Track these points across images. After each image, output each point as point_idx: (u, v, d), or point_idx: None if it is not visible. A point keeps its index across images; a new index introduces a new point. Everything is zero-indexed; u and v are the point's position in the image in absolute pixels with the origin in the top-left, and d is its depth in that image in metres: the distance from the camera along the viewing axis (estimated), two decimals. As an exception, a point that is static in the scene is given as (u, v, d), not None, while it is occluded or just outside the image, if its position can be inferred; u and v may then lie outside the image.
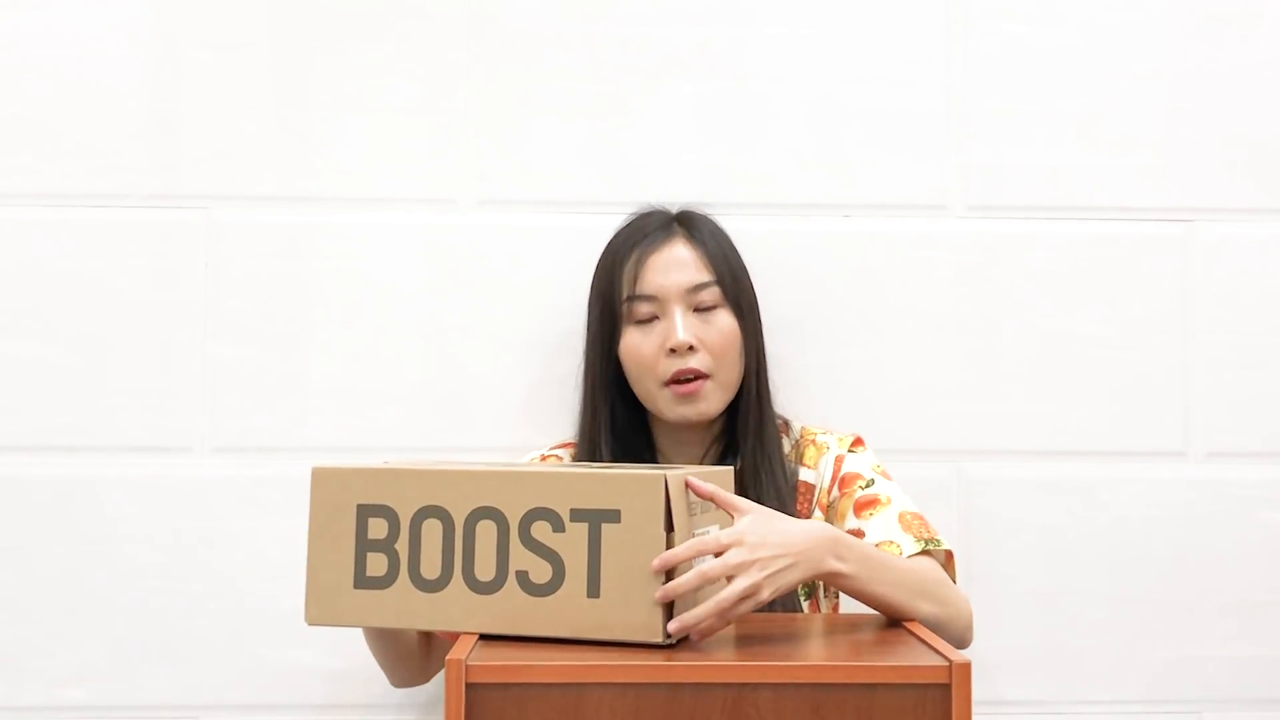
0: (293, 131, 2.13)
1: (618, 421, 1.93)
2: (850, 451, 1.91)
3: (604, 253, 1.96)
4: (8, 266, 2.10)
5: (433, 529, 1.49)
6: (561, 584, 1.45)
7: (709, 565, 1.45)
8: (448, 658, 1.34)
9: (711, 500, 1.52)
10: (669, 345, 1.85)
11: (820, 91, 2.16)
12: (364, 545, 1.52)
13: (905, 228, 2.15)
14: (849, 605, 1.88)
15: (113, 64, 2.12)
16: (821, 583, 1.82)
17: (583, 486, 1.46)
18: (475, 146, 2.14)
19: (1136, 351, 2.15)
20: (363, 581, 1.52)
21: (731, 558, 1.46)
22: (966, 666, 1.33)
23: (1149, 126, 2.17)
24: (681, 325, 1.85)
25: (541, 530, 1.46)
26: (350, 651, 2.07)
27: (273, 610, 2.09)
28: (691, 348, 1.85)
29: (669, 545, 1.42)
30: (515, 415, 2.11)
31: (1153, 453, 2.15)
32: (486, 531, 1.48)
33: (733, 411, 1.92)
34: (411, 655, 1.84)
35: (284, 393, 2.11)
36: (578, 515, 1.45)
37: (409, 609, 1.50)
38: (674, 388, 1.86)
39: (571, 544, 1.45)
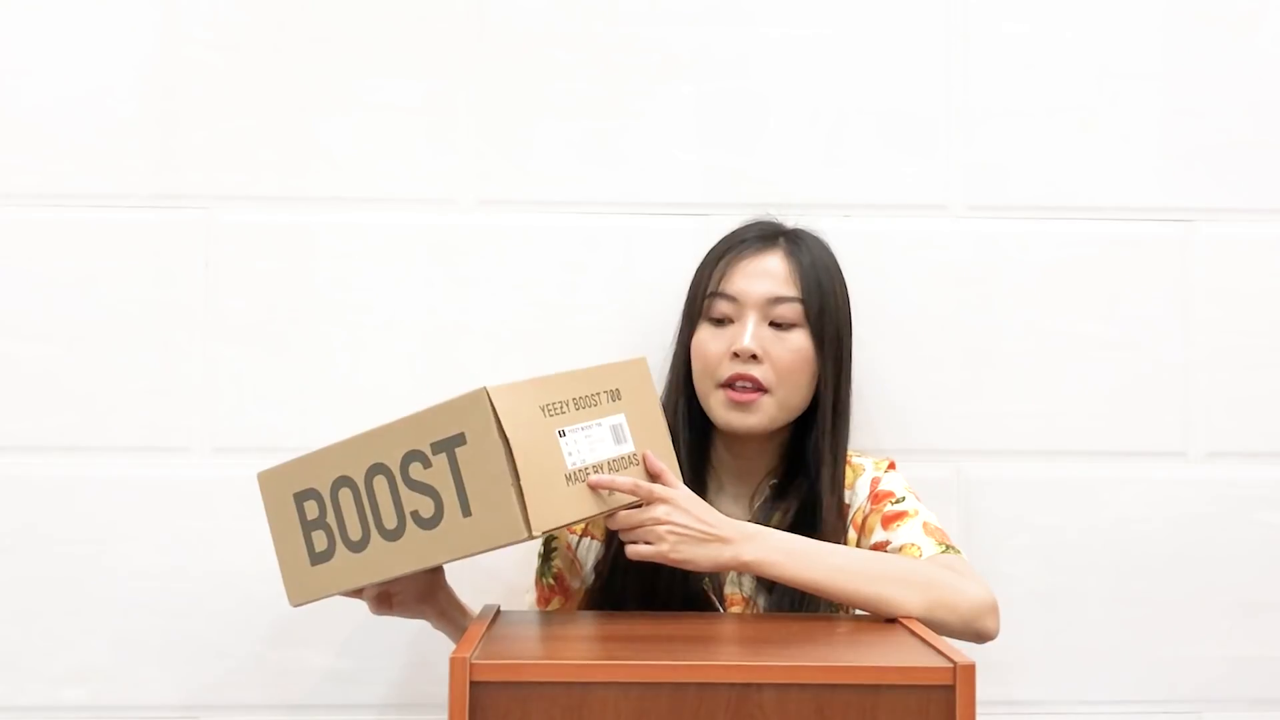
0: (293, 131, 2.13)
1: (682, 422, 1.91)
2: (885, 473, 1.92)
3: (705, 255, 1.95)
4: (8, 266, 2.10)
5: (346, 497, 1.63)
6: (444, 513, 1.55)
7: (637, 513, 1.63)
8: (451, 656, 1.34)
9: (658, 477, 1.66)
10: (734, 348, 1.84)
11: (820, 91, 2.16)
12: (307, 526, 1.67)
13: (905, 228, 2.15)
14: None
15: (113, 64, 2.12)
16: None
17: (432, 420, 1.56)
18: (475, 146, 2.14)
19: (1136, 351, 2.15)
20: (315, 558, 1.67)
21: (657, 509, 1.63)
22: (971, 668, 1.33)
23: (1149, 126, 2.17)
24: (752, 332, 1.84)
25: (417, 470, 1.57)
26: (350, 652, 2.08)
27: (273, 610, 2.09)
28: (755, 356, 1.83)
29: (510, 453, 1.50)
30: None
31: (1153, 453, 2.15)
32: (382, 485, 1.59)
33: (799, 440, 1.91)
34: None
35: (284, 393, 2.11)
36: (437, 447, 1.55)
37: (352, 570, 1.64)
38: (728, 392, 1.84)
39: (440, 474, 1.55)
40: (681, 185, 2.14)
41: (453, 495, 1.54)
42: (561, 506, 1.56)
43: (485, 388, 1.51)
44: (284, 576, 1.71)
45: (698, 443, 1.91)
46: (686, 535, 1.62)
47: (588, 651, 1.42)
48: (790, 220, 2.00)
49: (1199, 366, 2.15)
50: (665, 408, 1.90)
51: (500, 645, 1.46)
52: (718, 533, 1.64)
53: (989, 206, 2.16)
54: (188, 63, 2.12)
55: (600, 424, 1.64)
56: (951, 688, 1.33)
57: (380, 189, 2.13)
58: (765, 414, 1.85)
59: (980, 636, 1.72)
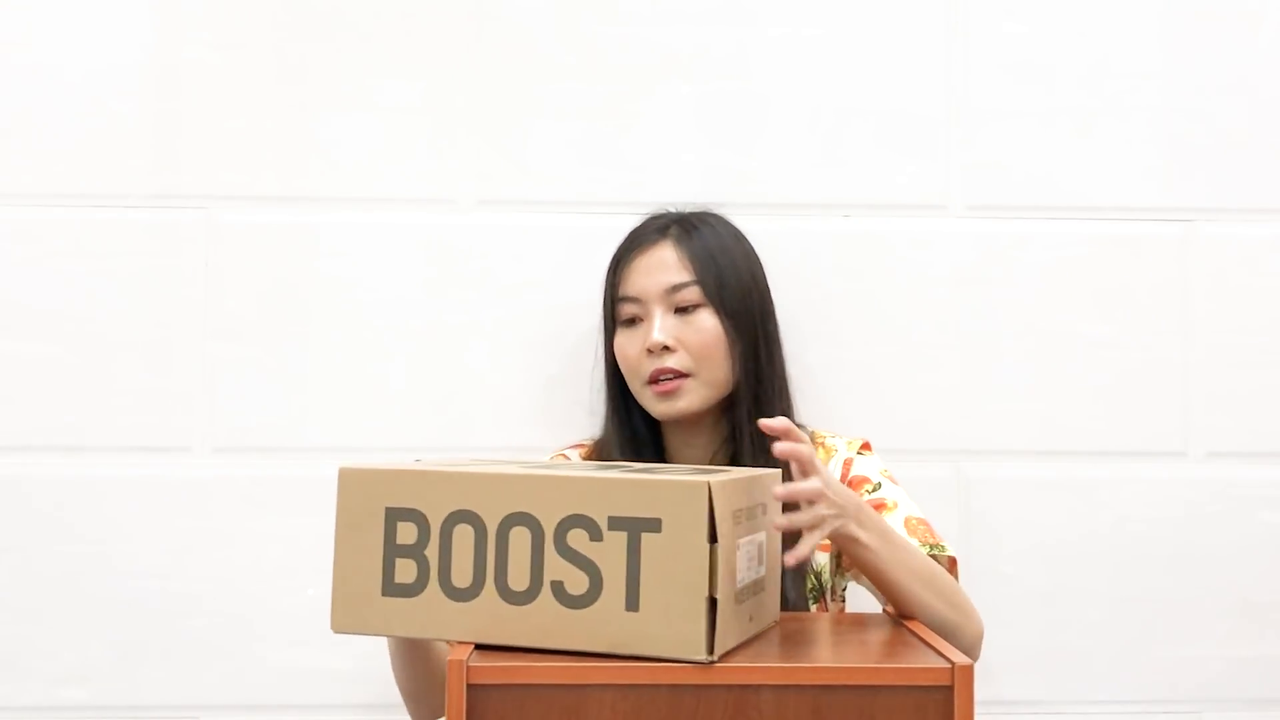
0: (293, 131, 2.13)
1: (633, 420, 1.95)
2: (859, 455, 1.91)
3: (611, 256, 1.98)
4: (8, 266, 2.10)
5: (464, 535, 1.41)
6: (599, 596, 1.37)
7: (800, 515, 1.50)
8: (449, 659, 1.34)
9: (804, 467, 1.51)
10: (646, 346, 1.87)
11: (820, 91, 2.16)
12: (392, 550, 1.43)
13: (905, 228, 2.15)
14: (858, 607, 1.88)
15: (113, 64, 2.12)
16: (831, 585, 1.85)
17: (621, 493, 1.37)
18: (475, 146, 2.14)
19: (1136, 351, 2.15)
20: (391, 589, 1.43)
21: (821, 508, 1.51)
22: (969, 669, 1.33)
23: (1149, 126, 2.17)
24: (658, 326, 1.87)
25: (578, 539, 1.38)
26: (350, 652, 2.07)
27: (273, 610, 2.09)
28: (667, 348, 1.86)
29: (712, 558, 1.34)
30: (515, 415, 2.11)
31: (1153, 453, 2.15)
32: (520, 538, 1.40)
33: (733, 409, 1.92)
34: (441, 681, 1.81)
35: (284, 393, 2.11)
36: (616, 523, 1.37)
37: (439, 618, 1.42)
38: (653, 386, 1.88)
39: (610, 553, 1.37)
40: (681, 185, 2.14)
41: (619, 582, 1.36)
42: (732, 629, 1.40)
43: (709, 483, 1.34)
44: (335, 594, 1.46)
45: (651, 437, 1.96)
46: (832, 516, 1.53)
47: (585, 653, 1.42)
48: (685, 207, 2.01)
49: (1198, 366, 2.15)
50: (609, 414, 1.96)
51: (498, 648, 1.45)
52: (844, 505, 1.55)
53: (989, 206, 2.16)
54: (187, 62, 2.12)
55: (754, 539, 1.47)
56: (950, 688, 1.33)
57: (380, 189, 2.13)
58: (694, 395, 1.87)
59: (972, 655, 1.71)
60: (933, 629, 1.58)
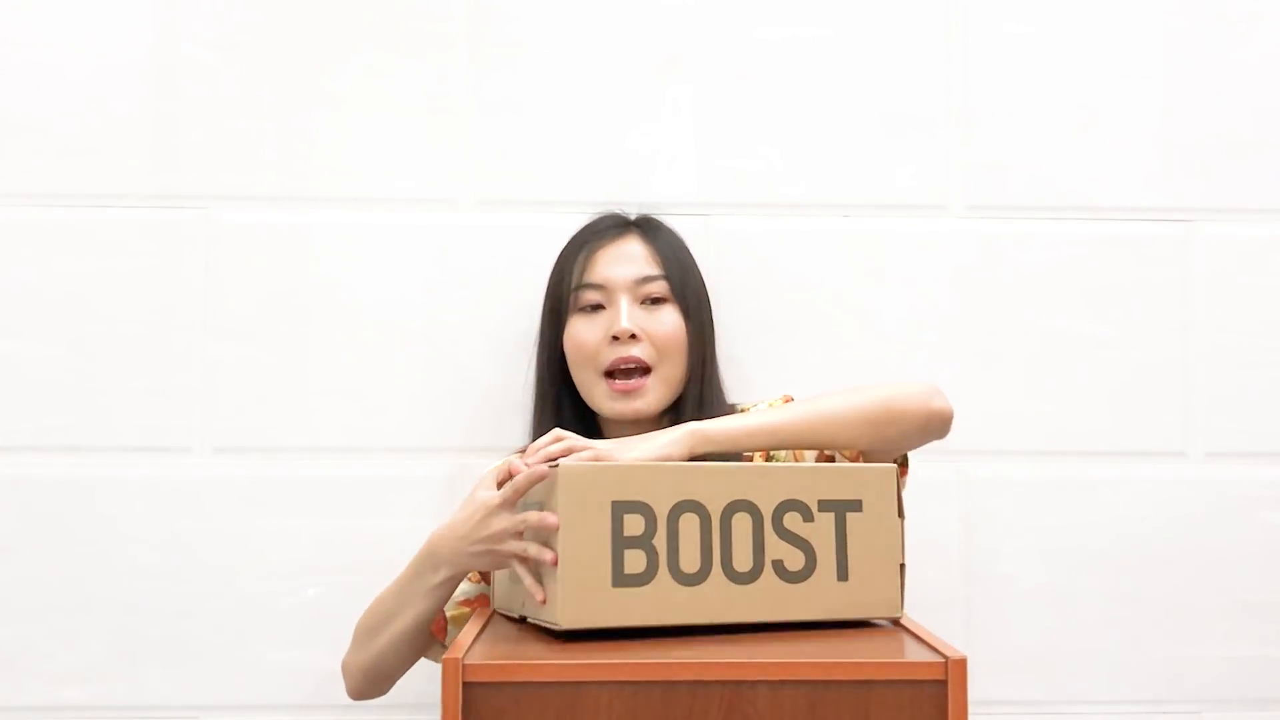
0: (293, 131, 2.13)
1: (565, 420, 1.92)
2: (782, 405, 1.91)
3: (559, 252, 1.97)
4: (8, 266, 2.10)
5: (690, 523, 1.50)
6: (814, 570, 1.53)
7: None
8: (444, 657, 1.34)
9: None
10: (612, 332, 1.86)
11: (820, 91, 2.16)
12: (620, 542, 1.48)
13: (905, 228, 2.15)
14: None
15: (113, 64, 2.12)
16: None
17: (828, 479, 1.55)
18: (475, 146, 2.14)
19: (1136, 351, 2.15)
20: (621, 579, 1.47)
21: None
22: (962, 663, 1.33)
23: (1149, 126, 2.17)
24: (626, 313, 1.87)
25: (793, 521, 1.53)
26: (350, 651, 2.07)
27: (273, 610, 2.09)
28: (634, 336, 1.86)
29: (902, 533, 1.57)
30: (515, 415, 2.11)
31: (1153, 453, 2.15)
32: (742, 524, 1.51)
33: (677, 411, 1.91)
34: (413, 656, 1.84)
35: (284, 393, 2.11)
36: (825, 505, 1.54)
37: (669, 604, 1.49)
38: (611, 383, 1.87)
39: (820, 532, 1.53)
40: (681, 185, 2.14)
41: (830, 556, 1.54)
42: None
43: (895, 466, 1.57)
44: (564, 590, 1.45)
45: (586, 434, 1.87)
46: None
47: (581, 651, 1.42)
48: (654, 208, 2.02)
49: (1199, 366, 2.15)
50: (543, 413, 1.94)
51: (493, 646, 1.45)
52: (655, 446, 1.66)
53: (989, 206, 2.16)
54: (187, 62, 2.13)
55: None
56: (943, 683, 1.32)
57: (380, 189, 2.14)
58: (653, 395, 1.88)
59: (941, 417, 1.78)
60: (865, 433, 1.73)
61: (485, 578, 1.85)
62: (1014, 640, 2.11)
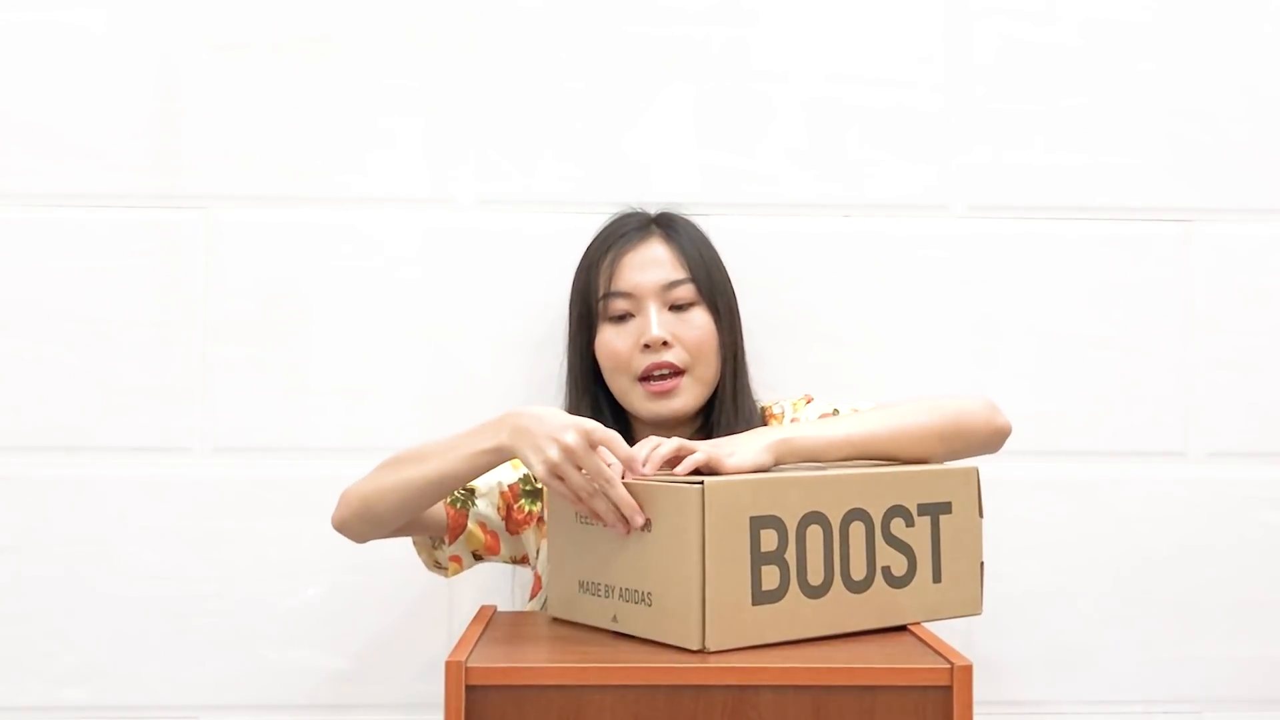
0: (293, 131, 2.13)
1: (605, 420, 1.90)
2: (806, 407, 1.93)
3: (583, 255, 1.97)
4: (8, 266, 2.10)
5: (815, 535, 1.49)
6: (915, 574, 1.55)
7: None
8: (447, 660, 1.34)
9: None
10: (643, 340, 1.86)
11: (820, 91, 2.16)
12: (758, 558, 1.45)
13: (905, 228, 2.15)
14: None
15: (113, 64, 2.12)
16: None
17: (926, 481, 1.58)
18: (475, 146, 2.14)
19: (1136, 351, 2.15)
20: (759, 597, 1.44)
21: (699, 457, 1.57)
22: (968, 669, 1.33)
23: (1149, 126, 2.17)
24: (656, 321, 1.87)
25: (898, 526, 1.54)
26: (350, 652, 2.08)
27: (273, 610, 2.10)
28: (665, 343, 1.86)
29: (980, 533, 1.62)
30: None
31: (1153, 453, 2.15)
32: (857, 532, 1.52)
33: (710, 409, 1.92)
34: (412, 511, 1.76)
35: (284, 393, 2.11)
36: (923, 509, 1.57)
37: (800, 619, 1.47)
38: (646, 385, 1.87)
39: (919, 536, 1.56)
40: (681, 185, 2.14)
41: (928, 559, 1.56)
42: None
43: (976, 467, 1.62)
44: (710, 611, 1.41)
45: (624, 435, 1.90)
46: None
47: (584, 654, 1.42)
48: (652, 208, 2.01)
49: (1199, 366, 2.15)
50: (573, 409, 1.91)
51: (496, 648, 1.45)
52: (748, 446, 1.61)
53: (989, 206, 2.16)
54: (188, 63, 2.12)
55: None
56: (949, 688, 1.33)
57: (380, 189, 2.13)
58: (689, 395, 1.88)
59: (1002, 434, 1.79)
60: (936, 448, 1.71)
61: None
62: (1014, 640, 2.12)
